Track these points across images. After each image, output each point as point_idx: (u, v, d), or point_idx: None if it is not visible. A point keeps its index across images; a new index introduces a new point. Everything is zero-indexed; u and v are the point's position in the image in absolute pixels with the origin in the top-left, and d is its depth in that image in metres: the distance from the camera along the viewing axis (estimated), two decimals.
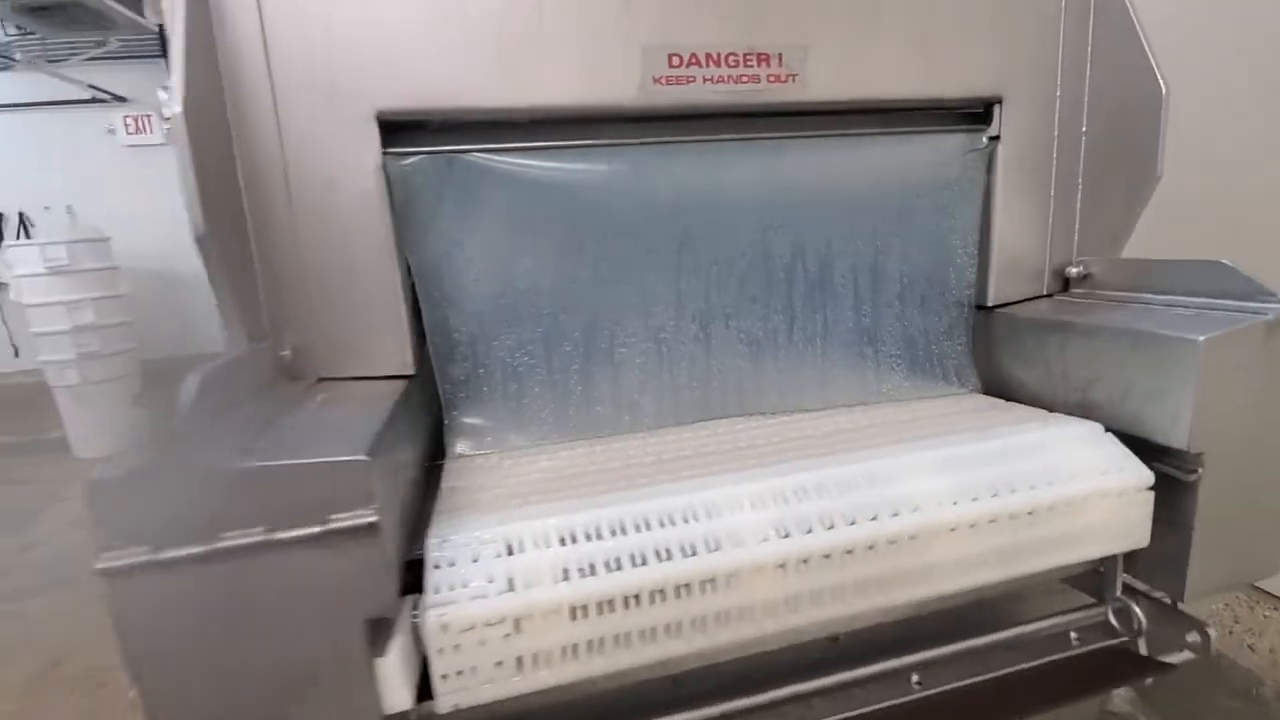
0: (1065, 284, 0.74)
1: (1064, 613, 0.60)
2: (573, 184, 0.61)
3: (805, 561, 0.47)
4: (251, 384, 0.48)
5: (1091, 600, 0.62)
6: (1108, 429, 0.58)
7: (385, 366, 0.58)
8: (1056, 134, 0.70)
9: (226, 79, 0.51)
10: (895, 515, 0.50)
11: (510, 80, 0.56)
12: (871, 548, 0.49)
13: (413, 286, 0.60)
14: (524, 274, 0.61)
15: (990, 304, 0.73)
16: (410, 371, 0.58)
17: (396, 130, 0.56)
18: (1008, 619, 0.59)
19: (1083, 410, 0.62)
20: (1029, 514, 0.52)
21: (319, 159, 0.54)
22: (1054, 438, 0.56)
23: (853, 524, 0.48)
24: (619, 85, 0.58)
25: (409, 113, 0.55)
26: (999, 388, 0.73)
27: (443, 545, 0.45)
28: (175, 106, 0.45)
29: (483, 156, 0.59)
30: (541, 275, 0.62)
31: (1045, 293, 0.74)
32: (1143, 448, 0.56)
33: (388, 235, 0.56)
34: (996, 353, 0.73)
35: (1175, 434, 0.54)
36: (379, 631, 0.40)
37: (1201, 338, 0.51)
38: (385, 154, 0.56)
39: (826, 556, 0.48)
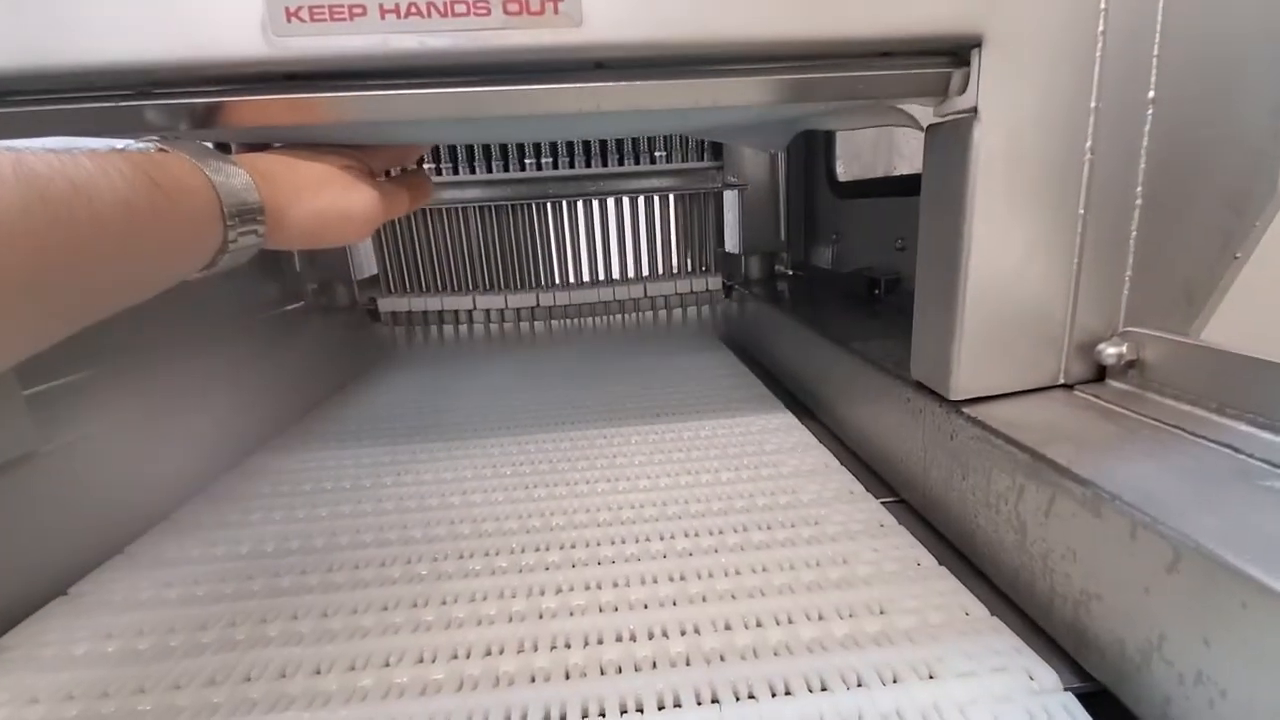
0: (1100, 372, 0.44)
1: None
2: None
3: None
4: None
5: None
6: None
7: None
8: (1095, 104, 0.39)
9: None
10: None
11: (29, 27, 0.34)
12: None
13: None
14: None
15: (954, 396, 0.43)
16: None
17: None
18: None
19: (1076, 641, 0.33)
20: None
21: None
22: None
23: None
24: (227, 29, 0.35)
25: None
26: (966, 544, 0.44)
27: None
28: None
29: None
30: None
31: (1061, 382, 0.44)
32: None
33: None
34: (958, 485, 0.43)
35: None
36: None
37: None
38: None
39: None
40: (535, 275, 1.15)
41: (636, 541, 0.45)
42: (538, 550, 0.44)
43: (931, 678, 0.31)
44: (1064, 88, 0.39)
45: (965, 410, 0.42)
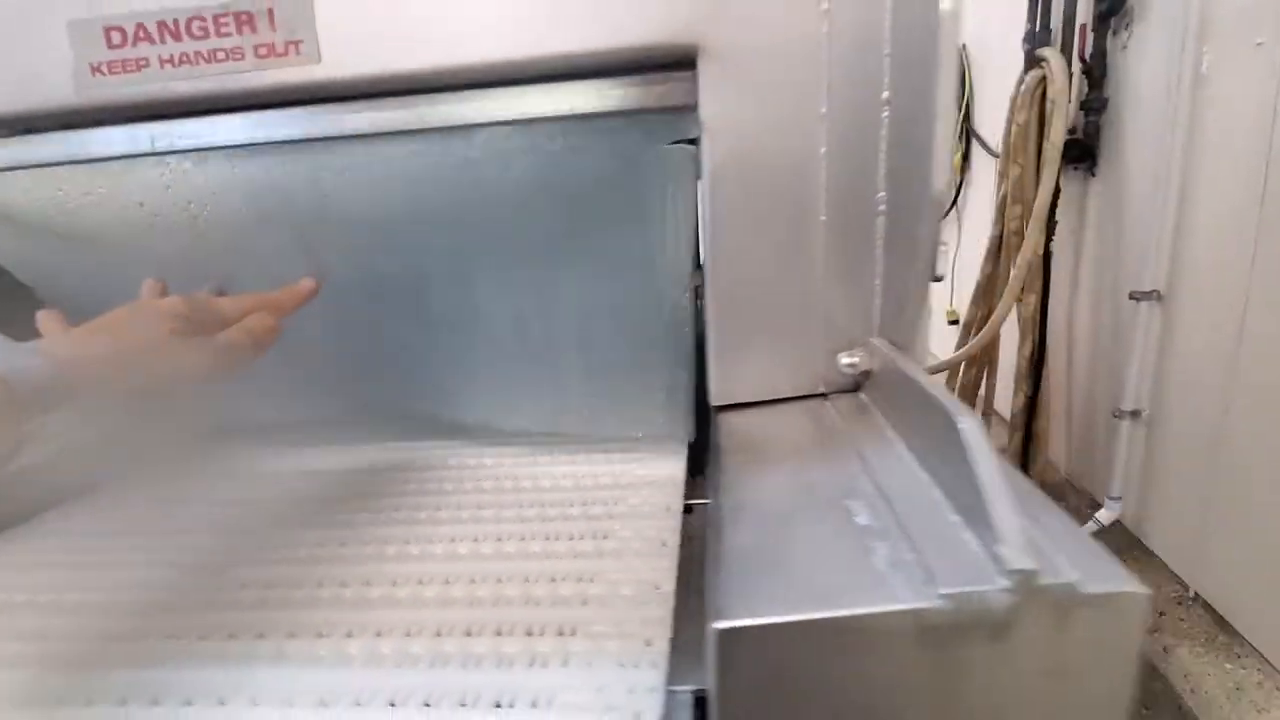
0: (858, 381, 0.44)
1: None
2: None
3: None
4: None
5: None
6: None
7: None
8: (825, 110, 0.40)
9: None
10: None
11: None
12: None
13: None
14: None
15: (712, 401, 0.45)
16: None
17: None
18: None
19: None
20: None
21: None
22: None
23: None
24: (49, 80, 0.43)
25: None
26: None
27: None
28: None
29: None
30: None
31: (820, 390, 0.45)
32: None
33: None
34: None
35: None
36: None
37: (719, 624, 0.24)
38: None
39: None
40: None
41: (371, 635, 0.39)
42: (231, 638, 0.39)
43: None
44: (788, 95, 0.40)
45: (718, 417, 0.44)
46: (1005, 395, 1.68)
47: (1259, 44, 1.01)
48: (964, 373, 1.77)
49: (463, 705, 0.34)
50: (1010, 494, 0.24)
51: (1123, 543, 1.35)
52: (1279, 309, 1.00)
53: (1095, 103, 1.39)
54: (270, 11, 0.41)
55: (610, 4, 0.39)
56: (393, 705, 0.34)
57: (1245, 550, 1.08)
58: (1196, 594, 1.19)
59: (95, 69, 0.43)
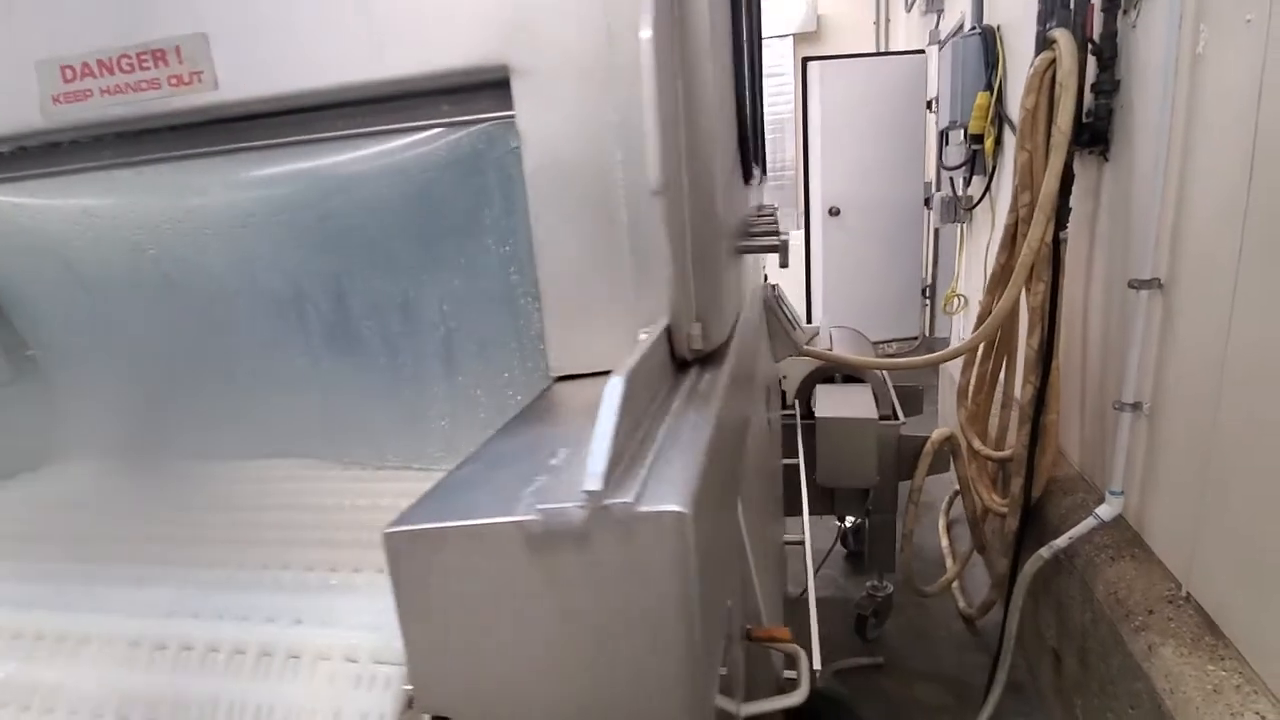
0: None
1: None
2: None
3: None
4: None
5: None
6: None
7: None
8: (618, 119, 0.46)
9: None
10: None
11: None
12: None
13: None
14: None
15: (551, 373, 0.52)
16: None
17: None
18: None
19: None
20: None
21: None
22: None
23: None
24: (22, 109, 0.55)
25: None
26: None
27: None
28: None
29: None
30: None
31: None
32: None
33: None
34: None
35: None
36: None
37: (387, 530, 0.31)
38: None
39: None
40: None
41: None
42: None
43: None
44: (585, 107, 0.46)
45: (553, 386, 0.51)
46: None
47: (1248, 20, 0.98)
48: (981, 362, 1.74)
49: (270, 621, 0.42)
50: (610, 437, 0.30)
51: (1123, 540, 1.31)
52: (1266, 298, 0.97)
53: (1106, 84, 1.35)
54: (178, 49, 0.50)
55: (435, 33, 0.46)
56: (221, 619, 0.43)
57: (1233, 551, 1.05)
58: (1189, 594, 1.15)
59: (55, 99, 0.54)
